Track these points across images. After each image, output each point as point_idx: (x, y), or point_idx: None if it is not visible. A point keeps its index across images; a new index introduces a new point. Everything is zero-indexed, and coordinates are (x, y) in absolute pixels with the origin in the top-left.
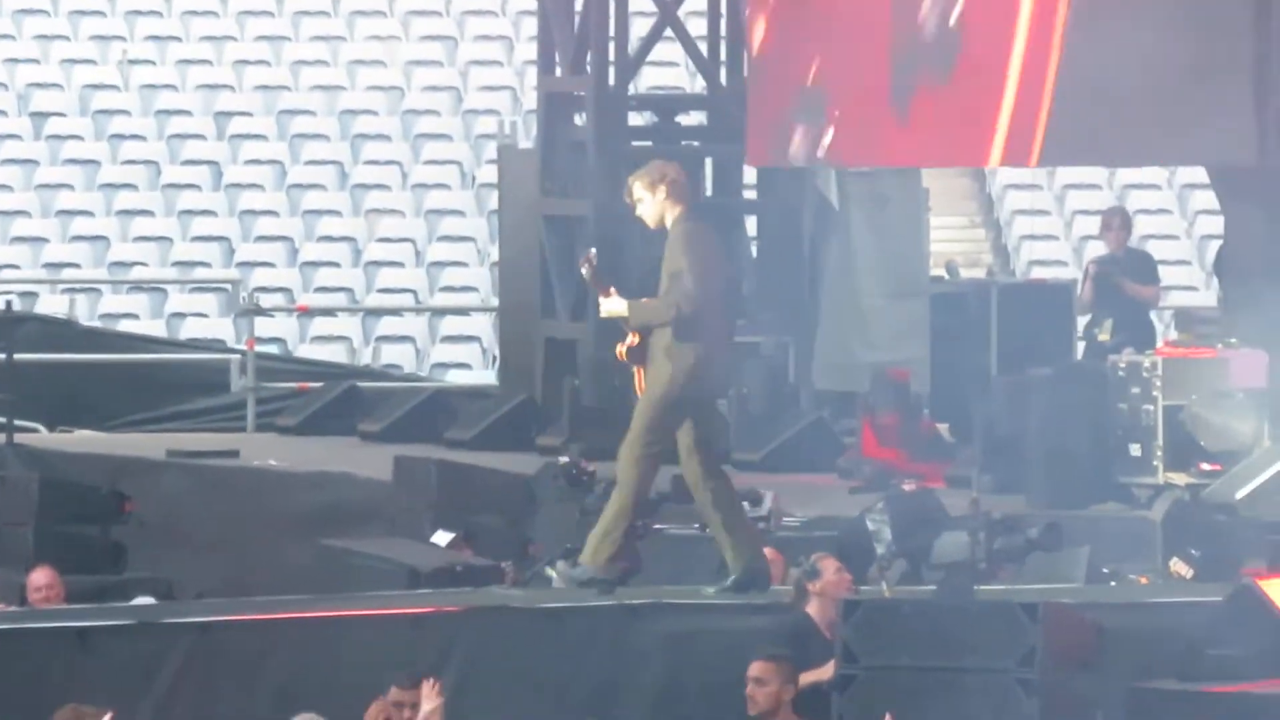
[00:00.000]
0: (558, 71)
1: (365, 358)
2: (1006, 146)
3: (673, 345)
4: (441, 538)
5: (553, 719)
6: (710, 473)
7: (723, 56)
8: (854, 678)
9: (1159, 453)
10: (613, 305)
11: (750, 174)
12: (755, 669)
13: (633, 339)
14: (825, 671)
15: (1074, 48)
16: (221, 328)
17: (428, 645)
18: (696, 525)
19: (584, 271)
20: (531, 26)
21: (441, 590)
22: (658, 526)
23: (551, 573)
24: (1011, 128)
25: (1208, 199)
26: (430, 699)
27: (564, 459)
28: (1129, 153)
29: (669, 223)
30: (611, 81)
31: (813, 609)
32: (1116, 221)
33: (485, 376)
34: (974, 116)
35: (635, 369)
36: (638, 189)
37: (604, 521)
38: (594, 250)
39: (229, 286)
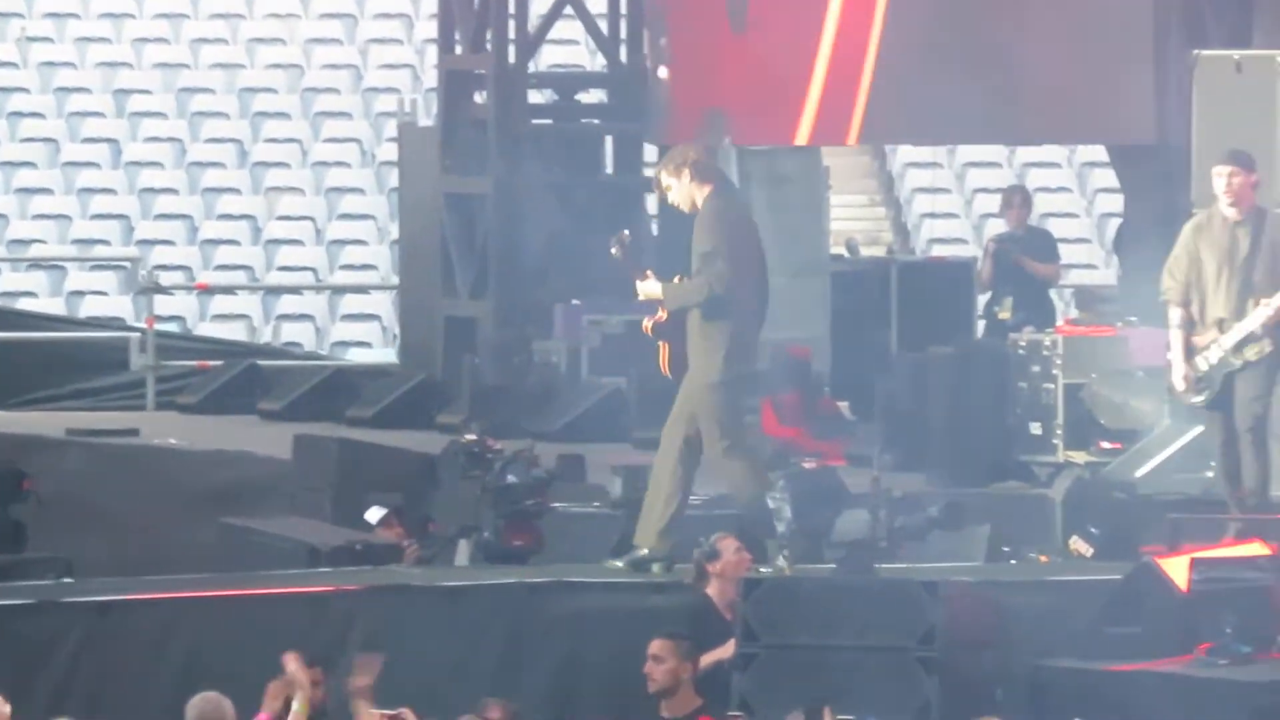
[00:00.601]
0: (458, 49)
1: (265, 336)
2: (816, 123)
3: (708, 326)
4: (374, 514)
5: (453, 698)
6: (692, 450)
7: (623, 34)
8: (754, 656)
9: (1059, 431)
10: (649, 288)
11: (651, 152)
12: (654, 647)
13: (661, 314)
14: (725, 651)
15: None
16: (121, 306)
17: (328, 624)
18: (595, 504)
19: (615, 253)
20: (431, 4)
21: (341, 569)
22: (555, 505)
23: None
24: (823, 105)
25: (1108, 177)
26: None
27: (470, 436)
28: (1030, 130)
29: (699, 203)
30: (512, 59)
31: (712, 589)
32: (1017, 199)
33: (385, 355)
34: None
35: (661, 344)
36: (664, 178)
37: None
38: (626, 232)
39: (128, 264)
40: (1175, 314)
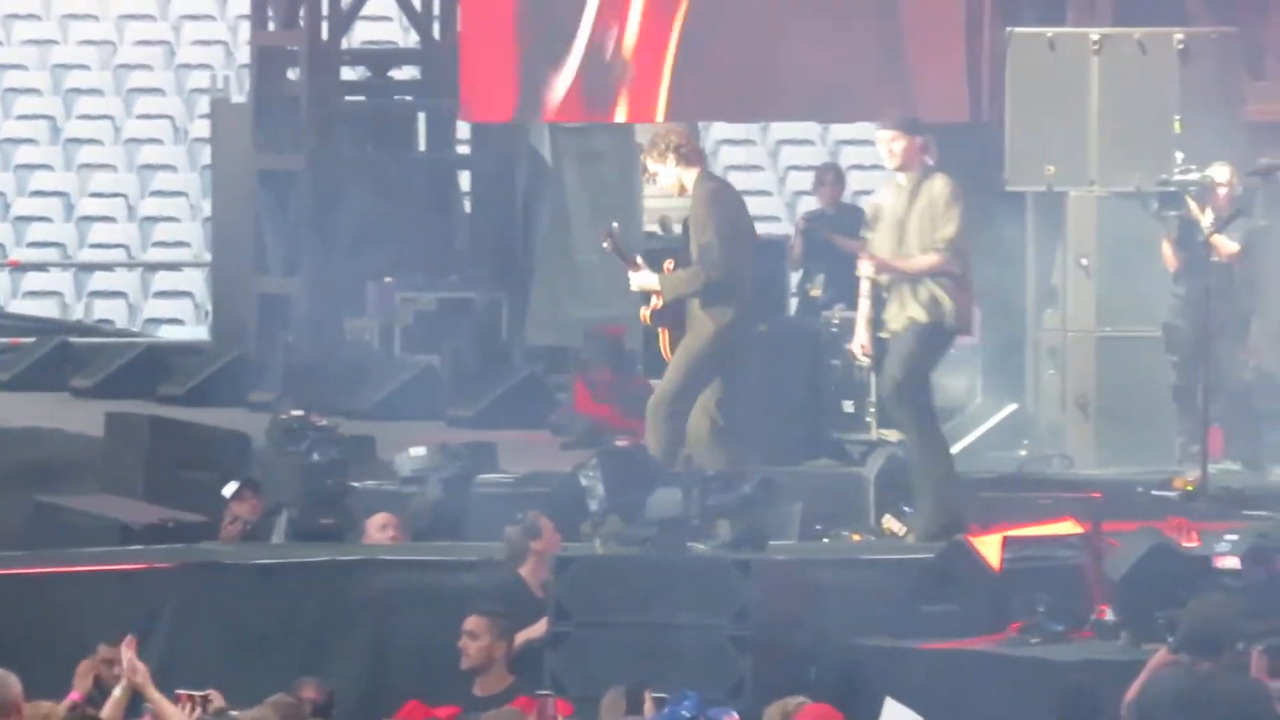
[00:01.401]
0: (271, 26)
1: (77, 313)
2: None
3: (710, 309)
4: (229, 488)
5: (265, 675)
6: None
7: (436, 11)
8: (567, 635)
9: (871, 409)
10: (644, 279)
11: (464, 129)
12: (470, 623)
13: (657, 301)
14: (537, 629)
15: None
16: None
17: (139, 602)
18: (383, 482)
19: (606, 246)
20: None
21: (153, 547)
22: (354, 484)
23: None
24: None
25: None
26: (127, 655)
27: (296, 411)
28: (842, 108)
29: (688, 186)
30: (325, 36)
31: (526, 568)
32: (829, 177)
33: (198, 332)
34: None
35: (661, 330)
36: (650, 164)
37: None
38: (615, 224)
39: None
40: (864, 283)
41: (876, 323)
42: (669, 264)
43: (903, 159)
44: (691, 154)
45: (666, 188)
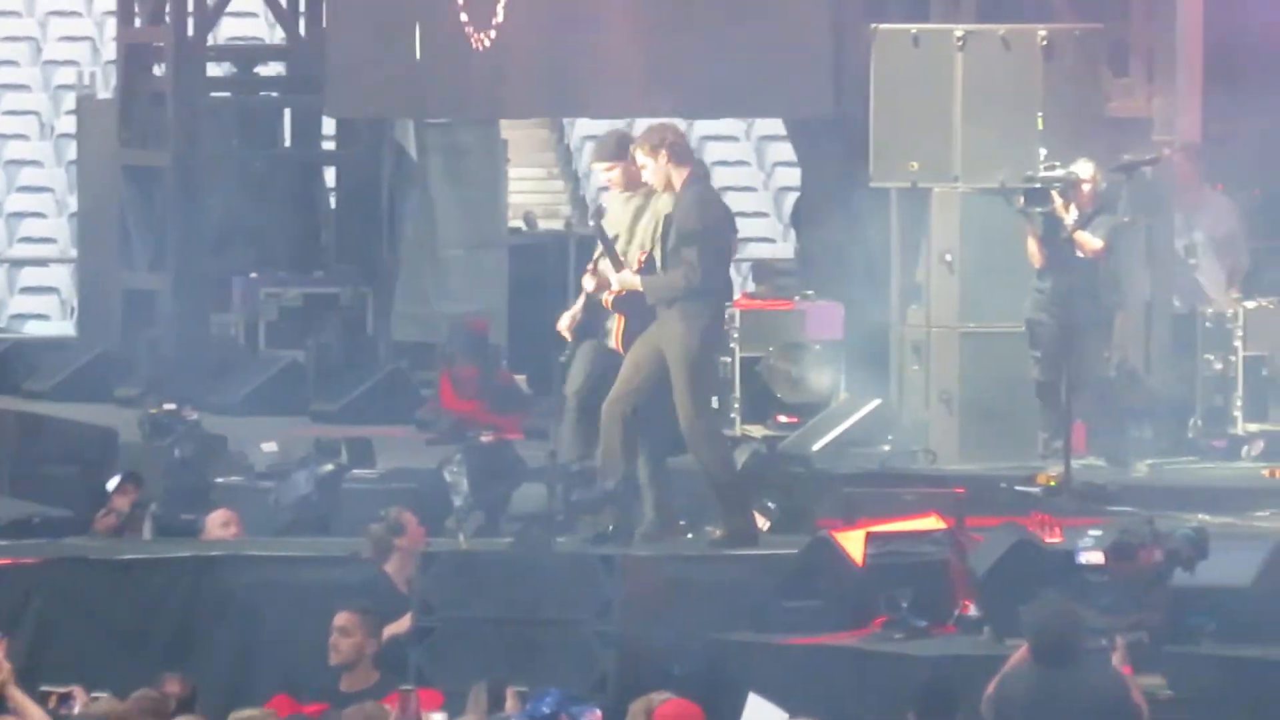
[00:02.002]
0: (137, 22)
1: None
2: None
3: (687, 307)
4: (112, 482)
5: (131, 671)
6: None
7: (301, 7)
8: (431, 630)
9: (736, 405)
10: (627, 279)
11: (329, 125)
12: (341, 619)
13: (620, 288)
14: (402, 625)
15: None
16: None
17: (4, 597)
18: (238, 477)
19: (594, 227)
20: None
21: (18, 542)
22: (221, 480)
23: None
24: None
25: (785, 151)
26: None
27: (169, 405)
28: (700, 104)
29: (676, 185)
30: (190, 32)
31: (391, 564)
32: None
33: (64, 328)
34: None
35: (618, 316)
36: (640, 155)
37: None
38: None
39: None
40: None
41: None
42: (641, 256)
43: (624, 183)
44: (684, 153)
45: (651, 181)
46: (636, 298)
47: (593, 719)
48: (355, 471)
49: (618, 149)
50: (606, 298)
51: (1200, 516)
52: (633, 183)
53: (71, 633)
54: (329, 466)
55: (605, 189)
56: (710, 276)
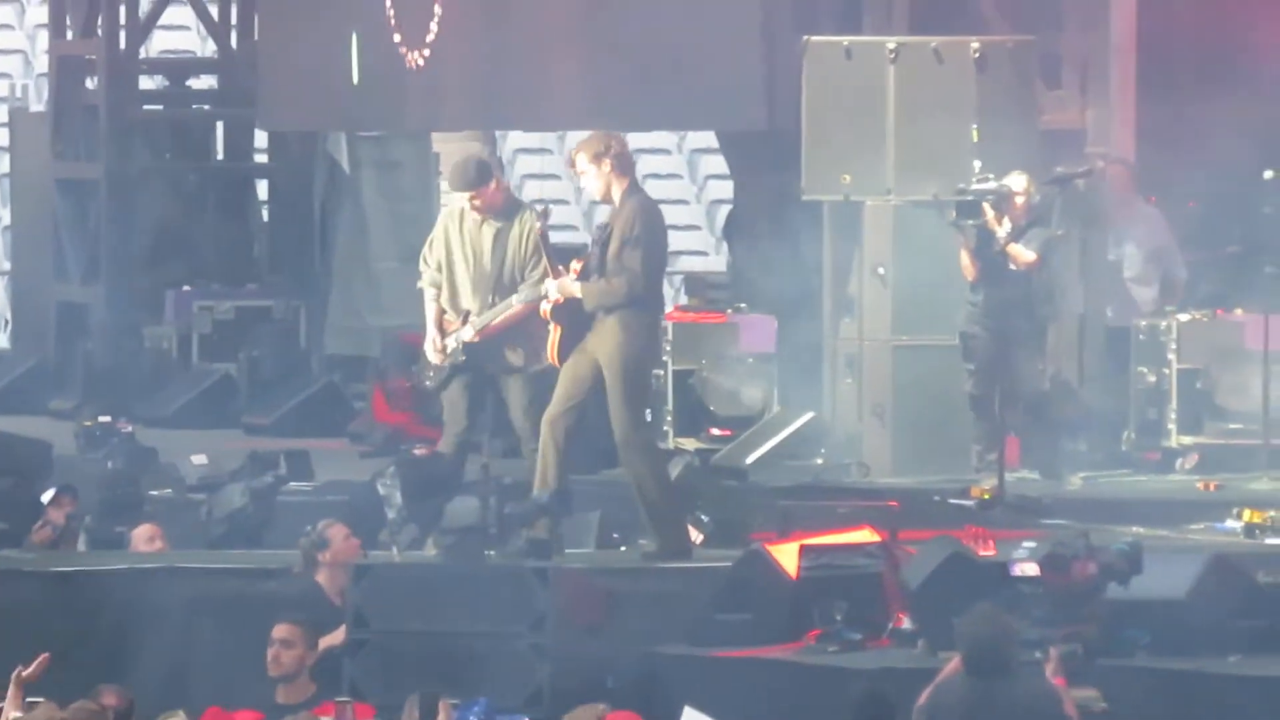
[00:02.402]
0: (69, 34)
1: None
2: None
3: (627, 317)
4: (47, 495)
5: (66, 683)
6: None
7: (234, 20)
8: (365, 642)
9: (670, 417)
10: (567, 286)
11: (261, 138)
12: (283, 631)
13: (558, 298)
14: (336, 637)
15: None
16: None
17: None
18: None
19: (538, 228)
20: None
21: None
22: (154, 492)
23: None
24: None
25: (718, 164)
26: None
27: (104, 418)
28: (631, 117)
29: (615, 196)
30: (123, 45)
31: (322, 576)
32: None
33: None
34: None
35: (554, 326)
36: (581, 161)
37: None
38: (549, 206)
39: None
40: None
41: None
42: (576, 264)
43: (486, 208)
44: (626, 164)
45: (590, 189)
46: (572, 307)
47: None
48: (290, 484)
49: (478, 177)
50: (545, 309)
51: (1135, 529)
52: (493, 208)
53: (6, 644)
54: (266, 479)
55: (538, 201)
56: (651, 285)
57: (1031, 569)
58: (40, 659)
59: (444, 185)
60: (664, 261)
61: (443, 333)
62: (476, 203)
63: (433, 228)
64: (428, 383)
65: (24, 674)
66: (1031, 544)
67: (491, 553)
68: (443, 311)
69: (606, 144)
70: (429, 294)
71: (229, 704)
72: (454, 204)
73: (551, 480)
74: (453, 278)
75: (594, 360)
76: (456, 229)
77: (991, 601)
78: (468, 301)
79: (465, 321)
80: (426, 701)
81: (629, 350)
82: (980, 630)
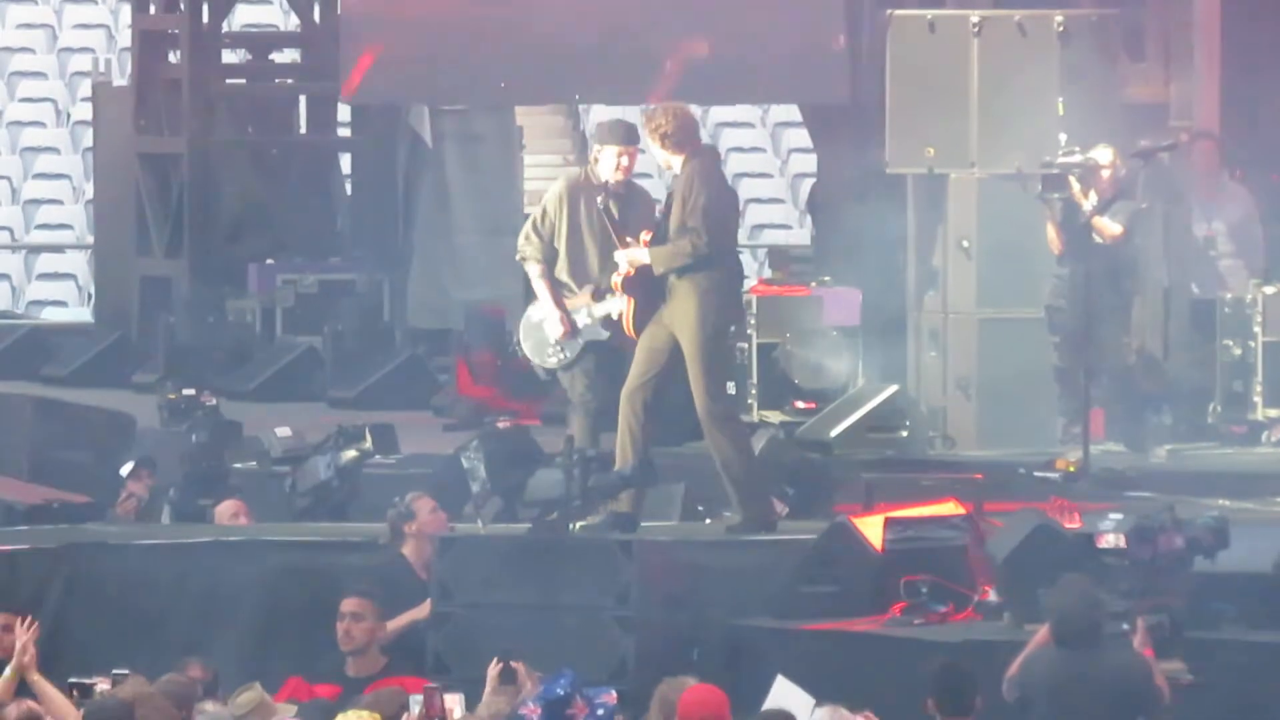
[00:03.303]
0: (152, 9)
1: None
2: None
3: (698, 281)
4: (126, 467)
5: (151, 656)
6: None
7: None
8: (449, 615)
9: (754, 390)
10: (636, 254)
11: (344, 112)
12: (353, 605)
13: (629, 269)
14: (421, 611)
15: None
16: None
17: (25, 583)
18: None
19: (601, 207)
20: None
21: (38, 527)
22: (239, 466)
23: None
24: None
25: (801, 137)
26: (22, 636)
27: (188, 392)
28: (715, 91)
29: (678, 166)
30: (206, 19)
31: (408, 549)
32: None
33: (81, 314)
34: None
35: (629, 299)
36: (645, 135)
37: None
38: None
39: None
40: None
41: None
42: (645, 235)
43: (630, 170)
44: (681, 137)
45: (659, 160)
46: (644, 279)
47: (608, 699)
48: (375, 457)
49: (630, 135)
50: (615, 279)
51: (1220, 502)
52: (631, 173)
53: (91, 618)
54: (351, 452)
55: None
56: (716, 244)
57: (1118, 540)
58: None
59: (527, 159)
60: (728, 219)
61: (564, 309)
62: (626, 161)
63: (517, 200)
64: (554, 361)
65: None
66: (1117, 516)
67: (576, 525)
68: (557, 286)
69: (656, 124)
70: (535, 270)
71: (312, 677)
72: (567, 176)
73: (631, 454)
74: (578, 250)
75: (670, 332)
76: (579, 200)
77: (1078, 573)
78: (595, 274)
79: (596, 295)
80: (506, 665)
81: (703, 315)
82: (1069, 601)
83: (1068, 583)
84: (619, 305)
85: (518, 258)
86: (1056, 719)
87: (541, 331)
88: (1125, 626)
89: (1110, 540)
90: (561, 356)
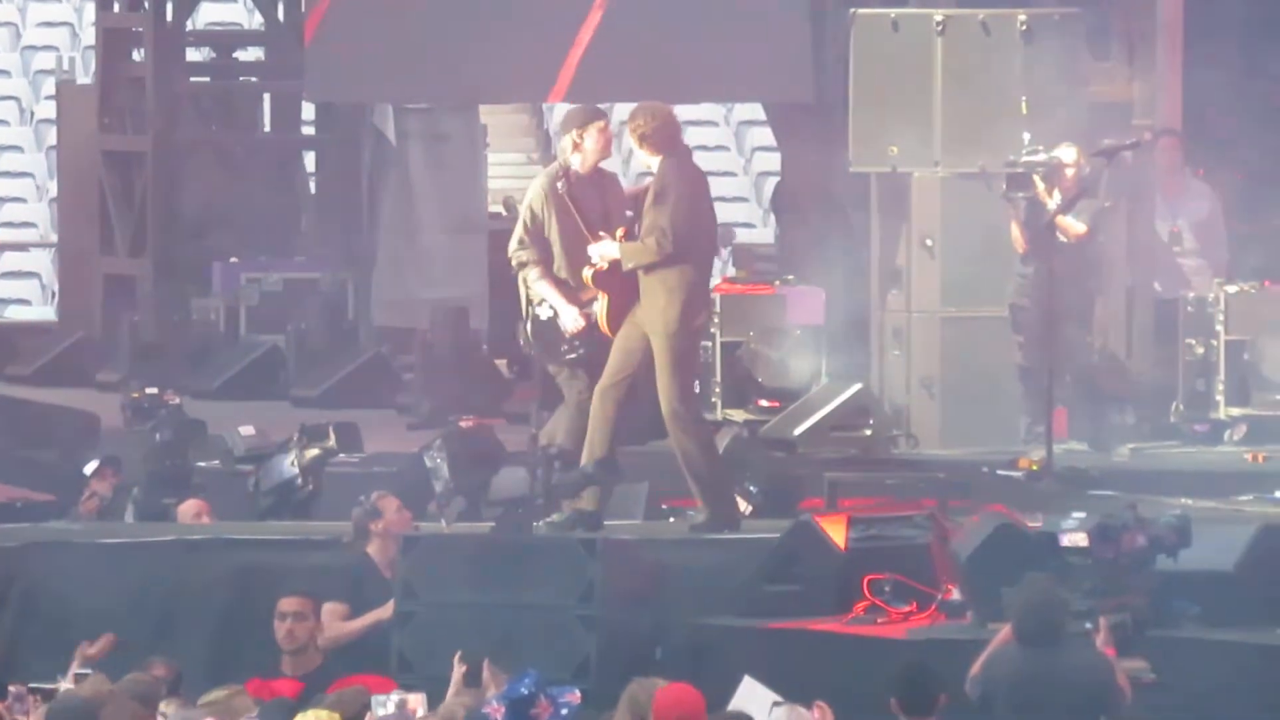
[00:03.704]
0: (116, 7)
1: None
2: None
3: (667, 277)
4: (90, 466)
5: (114, 655)
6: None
7: None
8: (413, 614)
9: (717, 389)
10: (605, 249)
11: (309, 110)
12: (294, 604)
13: (601, 264)
14: (385, 611)
15: None
16: None
17: None
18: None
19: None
20: None
21: (1, 526)
22: (202, 464)
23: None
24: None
25: (765, 136)
26: None
27: (152, 390)
28: (678, 89)
29: (653, 165)
30: (169, 17)
31: (373, 548)
32: None
33: (45, 312)
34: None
35: (602, 294)
36: (628, 134)
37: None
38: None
39: None
40: None
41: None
42: (621, 232)
43: (607, 145)
44: (662, 138)
45: (642, 159)
46: (619, 275)
47: (572, 699)
48: (339, 456)
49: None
50: (587, 275)
51: (1183, 501)
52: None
53: (54, 617)
54: (314, 451)
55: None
56: (683, 242)
57: (1081, 539)
58: (106, 638)
59: (491, 158)
60: (695, 219)
61: (577, 303)
62: (609, 135)
63: (480, 199)
64: (571, 355)
65: (88, 651)
66: (1080, 515)
67: (539, 524)
68: (562, 282)
69: (637, 125)
70: (535, 272)
71: (272, 674)
72: (546, 173)
73: (599, 451)
74: (572, 245)
75: (643, 332)
76: (557, 196)
77: (1041, 571)
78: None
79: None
80: (472, 665)
81: (671, 314)
82: (1031, 599)
83: (1029, 581)
84: (595, 302)
85: (514, 264)
86: (1018, 717)
87: (555, 329)
88: (1088, 625)
89: (1073, 539)
90: (579, 352)
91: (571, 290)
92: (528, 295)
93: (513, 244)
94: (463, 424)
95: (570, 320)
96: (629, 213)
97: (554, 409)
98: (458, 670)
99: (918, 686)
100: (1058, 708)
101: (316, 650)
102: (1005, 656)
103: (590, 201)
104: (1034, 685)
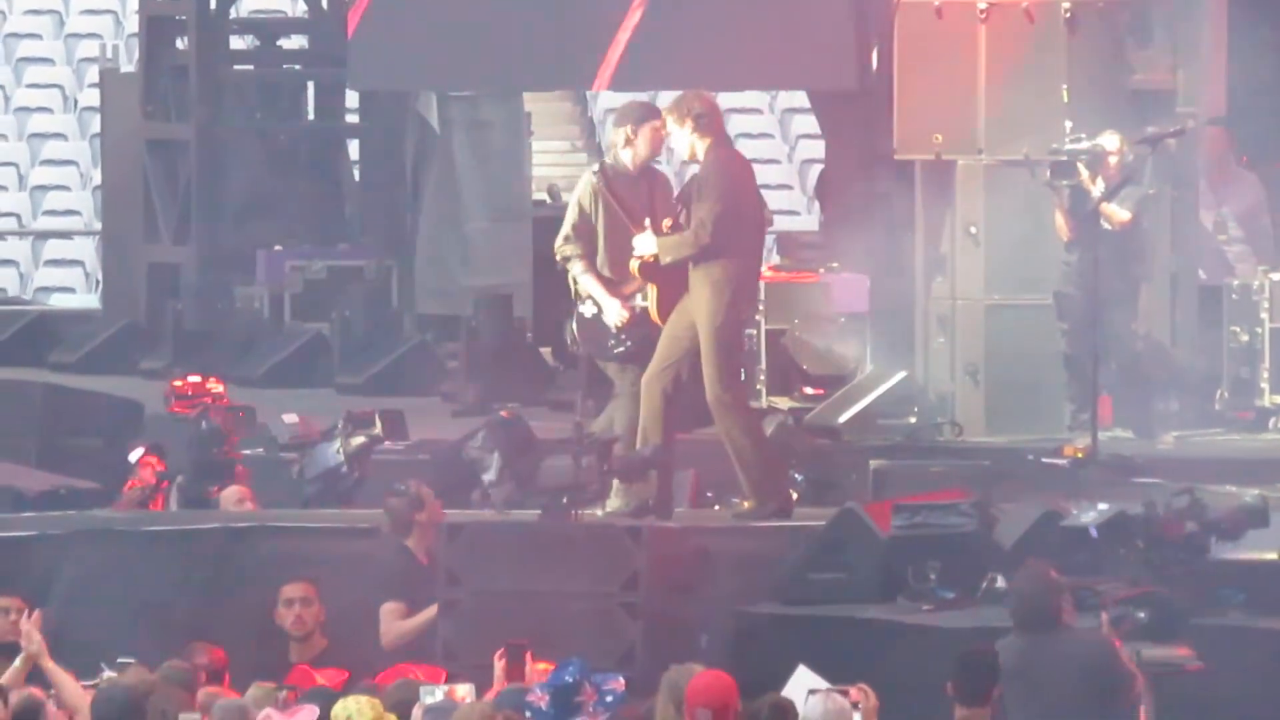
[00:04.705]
0: None
1: None
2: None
3: (711, 269)
4: (135, 453)
5: (156, 641)
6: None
7: None
8: (457, 602)
9: (762, 376)
10: (644, 241)
11: (353, 98)
12: (300, 590)
13: (646, 256)
14: (434, 611)
15: None
16: None
17: (33, 570)
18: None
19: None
20: None
21: (46, 514)
22: (247, 452)
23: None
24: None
25: (809, 123)
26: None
27: (194, 378)
28: (722, 77)
29: (699, 154)
30: (213, 5)
31: (412, 538)
32: None
33: (89, 300)
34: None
35: (650, 284)
36: (669, 123)
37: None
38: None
39: None
40: None
41: None
42: (667, 224)
43: (661, 143)
44: (709, 124)
45: (677, 149)
46: (668, 265)
47: (616, 686)
48: (384, 443)
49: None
50: (634, 266)
51: (1228, 488)
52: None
53: (99, 604)
54: (360, 438)
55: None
56: (725, 235)
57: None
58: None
59: (535, 145)
60: (745, 213)
61: (620, 296)
62: (661, 129)
63: (525, 187)
64: (619, 349)
65: (25, 625)
66: (1104, 506)
67: (584, 512)
68: (605, 277)
69: (689, 105)
70: (579, 266)
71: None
72: (594, 169)
73: (654, 438)
74: (617, 239)
75: (690, 320)
76: (607, 192)
77: (1041, 558)
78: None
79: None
80: (513, 653)
81: (716, 304)
82: (1024, 586)
83: (1025, 569)
84: (638, 295)
85: (559, 260)
86: (1024, 703)
87: (601, 325)
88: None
89: (1093, 529)
90: (626, 346)
91: (614, 284)
92: (575, 292)
93: (559, 239)
94: (502, 413)
95: (614, 314)
96: (679, 207)
97: (599, 397)
98: (502, 658)
99: (979, 676)
100: (1060, 691)
101: (321, 635)
102: (1009, 644)
103: (638, 197)
104: (1035, 671)
